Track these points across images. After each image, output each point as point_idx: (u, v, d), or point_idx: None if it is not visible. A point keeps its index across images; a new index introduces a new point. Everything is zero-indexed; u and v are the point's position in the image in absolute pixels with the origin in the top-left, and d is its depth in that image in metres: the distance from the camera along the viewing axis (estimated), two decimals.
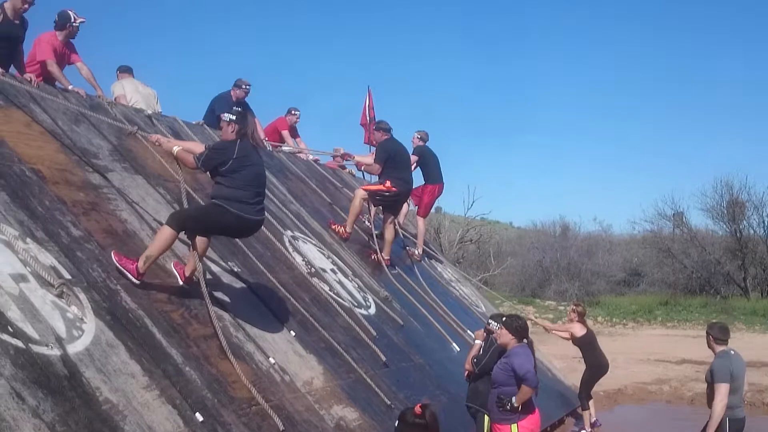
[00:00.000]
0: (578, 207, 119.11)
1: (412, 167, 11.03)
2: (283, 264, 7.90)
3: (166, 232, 5.72)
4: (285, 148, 11.95)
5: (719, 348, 6.95)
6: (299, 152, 12.33)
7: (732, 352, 6.93)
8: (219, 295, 6.42)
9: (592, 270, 33.36)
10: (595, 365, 10.28)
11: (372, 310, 8.54)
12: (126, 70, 10.31)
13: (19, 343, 4.29)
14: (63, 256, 5.37)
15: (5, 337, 4.25)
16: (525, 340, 6.40)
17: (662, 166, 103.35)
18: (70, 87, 8.00)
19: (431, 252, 13.29)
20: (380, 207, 10.60)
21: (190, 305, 5.95)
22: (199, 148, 6.08)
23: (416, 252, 11.87)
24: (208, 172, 5.99)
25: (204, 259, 6.54)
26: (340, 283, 8.60)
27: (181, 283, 6.10)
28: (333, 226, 10.04)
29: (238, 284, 6.90)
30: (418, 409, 3.92)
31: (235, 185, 5.74)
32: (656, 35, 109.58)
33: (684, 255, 32.07)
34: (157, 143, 6.43)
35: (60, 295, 4.90)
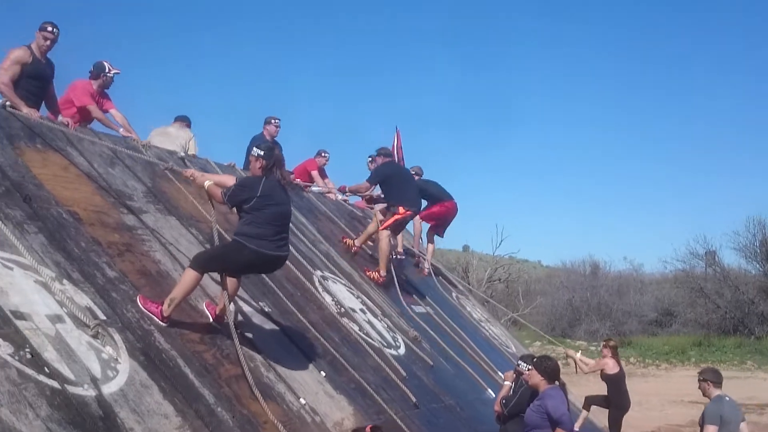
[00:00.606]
0: (608, 246, 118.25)
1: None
2: (313, 304, 7.94)
3: (190, 274, 5.77)
4: (314, 189, 12.07)
5: (715, 392, 7.27)
6: (328, 192, 12.44)
7: (727, 398, 7.24)
8: (250, 335, 6.45)
9: (623, 310, 33.00)
10: (620, 405, 10.50)
11: (401, 351, 8.51)
12: (178, 119, 10.60)
13: (55, 384, 4.34)
14: (98, 297, 5.45)
15: (42, 377, 4.31)
16: (557, 382, 6.34)
17: (694, 205, 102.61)
18: (120, 130, 8.27)
19: (458, 286, 13.25)
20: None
21: (222, 345, 5.98)
22: (231, 182, 6.15)
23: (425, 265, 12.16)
24: (234, 208, 6.07)
25: (236, 298, 6.60)
26: (369, 323, 8.60)
27: (211, 320, 6.16)
28: (368, 273, 10.07)
29: (269, 324, 6.93)
30: (368, 430, 3.94)
31: (256, 222, 5.78)
32: (686, 73, 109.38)
33: (717, 295, 31.63)
34: (190, 177, 6.52)
35: (95, 336, 4.96)
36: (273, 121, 11.20)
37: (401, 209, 10.09)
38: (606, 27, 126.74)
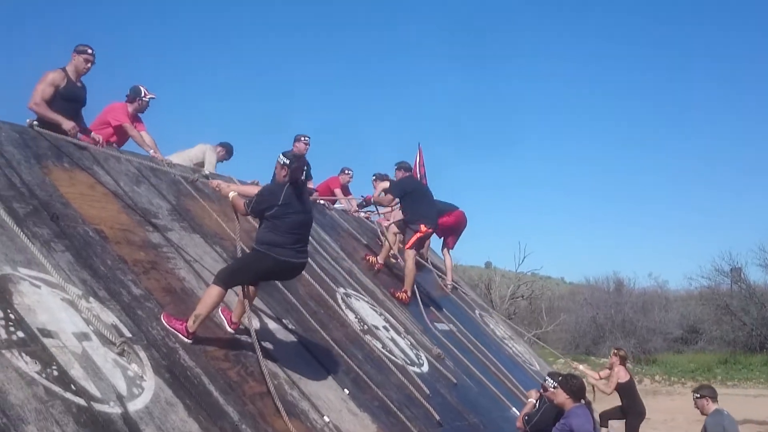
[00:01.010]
0: (632, 262, 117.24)
1: None
2: (337, 321, 7.94)
3: (214, 290, 5.79)
4: (337, 206, 12.12)
5: (713, 407, 7.46)
6: (352, 210, 12.49)
7: (725, 412, 7.43)
8: (274, 352, 6.46)
9: (648, 327, 32.66)
10: (637, 412, 10.62)
11: (425, 368, 8.48)
12: (221, 144, 10.84)
13: (82, 402, 4.37)
14: (124, 314, 5.48)
15: (68, 395, 4.34)
16: (583, 401, 6.29)
17: (719, 221, 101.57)
18: (151, 152, 8.42)
19: (479, 301, 13.19)
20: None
21: (246, 363, 5.99)
22: (254, 191, 6.20)
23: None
24: (256, 219, 6.11)
25: (259, 315, 6.63)
26: (392, 340, 8.59)
27: (228, 329, 6.20)
28: (396, 295, 10.06)
29: (293, 341, 6.94)
30: None
31: (276, 230, 5.81)
32: (710, 88, 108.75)
33: (743, 312, 31.25)
34: (216, 188, 6.59)
35: (121, 354, 4.99)
36: (303, 138, 11.29)
37: (423, 227, 10.09)
38: (633, 35, 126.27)
